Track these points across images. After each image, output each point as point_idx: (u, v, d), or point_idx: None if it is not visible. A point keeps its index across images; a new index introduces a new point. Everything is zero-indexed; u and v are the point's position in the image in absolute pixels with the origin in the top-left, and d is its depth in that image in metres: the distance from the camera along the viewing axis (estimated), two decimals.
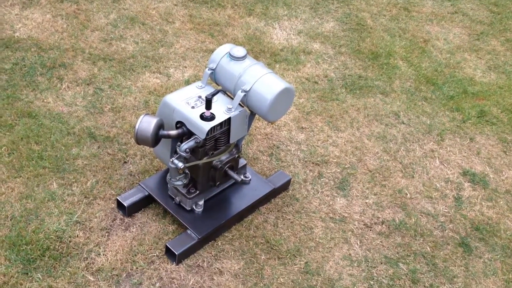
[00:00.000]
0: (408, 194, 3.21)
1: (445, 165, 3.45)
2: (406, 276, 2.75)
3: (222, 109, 2.57)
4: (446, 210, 3.14)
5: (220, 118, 2.53)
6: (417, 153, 3.51)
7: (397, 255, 2.85)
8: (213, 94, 2.50)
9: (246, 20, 4.58)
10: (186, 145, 2.51)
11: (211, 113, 2.52)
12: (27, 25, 4.10)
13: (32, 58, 3.79)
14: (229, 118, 2.56)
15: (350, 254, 2.82)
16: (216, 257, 2.72)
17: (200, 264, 2.68)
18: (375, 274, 2.74)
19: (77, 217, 2.78)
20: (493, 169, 3.46)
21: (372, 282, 2.70)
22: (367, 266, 2.78)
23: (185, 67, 3.96)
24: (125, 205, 2.78)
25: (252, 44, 4.28)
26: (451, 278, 2.77)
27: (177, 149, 2.54)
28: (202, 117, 2.51)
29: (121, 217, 2.83)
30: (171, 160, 2.55)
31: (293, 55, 4.25)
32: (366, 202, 3.12)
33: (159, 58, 4.00)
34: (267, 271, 2.69)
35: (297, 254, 2.78)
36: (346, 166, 3.33)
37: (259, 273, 2.67)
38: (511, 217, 3.14)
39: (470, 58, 4.52)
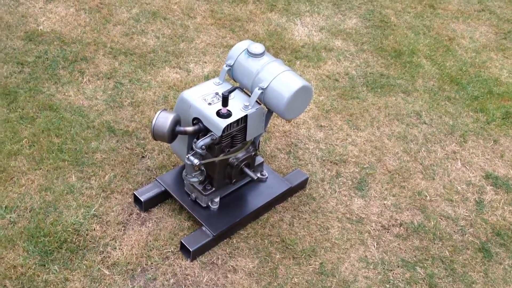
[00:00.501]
0: (428, 196, 3.15)
1: (467, 167, 3.38)
2: (423, 281, 2.71)
3: (239, 106, 2.55)
4: (466, 214, 3.07)
5: (236, 115, 2.51)
6: (438, 154, 3.45)
7: (414, 259, 2.81)
8: (230, 91, 2.48)
9: (267, 15, 4.55)
10: (202, 142, 2.51)
11: (228, 110, 2.50)
12: (51, 18, 4.14)
13: (54, 52, 3.83)
14: (246, 116, 2.54)
15: (366, 256, 2.79)
16: (230, 255, 2.71)
17: (215, 261, 2.67)
18: (391, 277, 2.70)
19: (94, 211, 2.80)
20: None
21: (388, 286, 2.66)
22: (383, 268, 2.74)
23: (205, 62, 3.96)
24: (142, 200, 2.79)
25: (273, 40, 4.25)
26: (469, 284, 2.72)
27: (193, 146, 2.54)
28: (219, 114, 2.50)
29: (138, 211, 2.84)
30: (187, 156, 2.55)
31: (314, 52, 4.20)
32: (384, 204, 3.08)
33: (180, 53, 4.00)
34: (282, 270, 2.67)
35: (312, 254, 2.76)
36: (365, 166, 3.29)
37: (273, 272, 2.66)
38: None
39: (497, 57, 4.41)
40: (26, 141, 3.13)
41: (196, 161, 2.51)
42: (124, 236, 2.72)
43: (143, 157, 3.15)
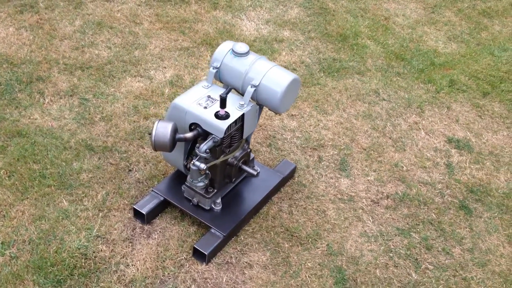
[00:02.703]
0: (404, 167, 3.38)
1: (430, 135, 3.65)
2: (420, 244, 2.92)
3: (233, 106, 2.60)
4: (441, 178, 3.34)
5: (234, 115, 2.57)
6: (403, 127, 3.69)
7: (407, 226, 3.02)
8: (227, 93, 2.53)
9: (213, 14, 4.58)
10: (205, 146, 2.54)
11: (225, 111, 2.55)
12: None
13: (5, 75, 3.64)
14: (243, 114, 2.60)
15: (365, 231, 2.96)
16: (242, 252, 2.77)
17: (229, 260, 2.73)
18: (392, 246, 2.90)
19: (96, 232, 2.75)
20: (473, 133, 3.70)
21: (391, 254, 2.85)
22: (383, 240, 2.93)
23: (165, 67, 3.94)
24: (144, 213, 2.78)
25: (225, 38, 4.30)
26: (459, 240, 2.97)
27: (196, 151, 2.56)
28: (217, 116, 2.54)
29: (140, 225, 2.82)
30: (192, 162, 2.57)
31: (267, 45, 4.31)
32: (368, 180, 3.26)
33: (137, 61, 3.95)
34: (293, 258, 2.78)
35: (317, 237, 2.89)
36: (341, 148, 3.46)
37: (286, 261, 2.76)
38: (499, 176, 3.38)
39: (430, 31, 4.75)
40: (4, 172, 2.98)
41: (202, 166, 2.54)
42: (133, 252, 2.70)
43: (130, 170, 3.11)
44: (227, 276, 2.66)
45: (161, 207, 2.88)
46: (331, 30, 4.57)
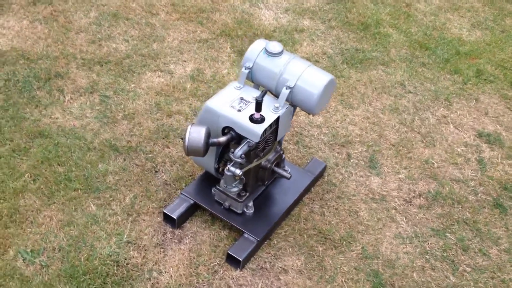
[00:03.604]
0: (435, 163, 3.30)
1: (460, 129, 3.57)
2: (456, 245, 2.86)
3: (268, 109, 2.51)
4: (473, 174, 3.26)
5: (270, 118, 2.48)
6: (431, 121, 3.60)
7: (442, 226, 2.95)
8: (263, 96, 2.44)
9: (230, 3, 4.45)
10: (240, 151, 2.46)
11: (261, 114, 2.46)
12: (6, 35, 3.81)
13: (23, 72, 3.54)
14: (278, 117, 2.51)
15: (400, 232, 2.90)
16: (275, 256, 2.71)
17: (263, 265, 2.67)
18: (427, 248, 2.83)
19: (126, 237, 2.68)
20: (504, 127, 3.61)
21: (427, 257, 2.79)
22: (419, 241, 2.86)
23: (185, 61, 3.83)
24: (174, 217, 2.71)
25: (244, 29, 4.19)
26: (496, 240, 2.91)
27: (231, 156, 2.48)
28: (253, 120, 2.45)
29: (171, 229, 2.76)
30: (227, 168, 2.49)
31: (287, 35, 4.19)
32: (399, 178, 3.19)
33: (156, 55, 3.84)
34: (328, 262, 2.72)
35: (351, 240, 2.82)
36: (370, 144, 3.38)
37: (321, 265, 2.70)
38: None
39: (453, 17, 4.63)
40: (29, 176, 2.90)
41: (238, 171, 2.46)
42: (166, 258, 2.63)
43: (156, 171, 3.04)
44: (262, 282, 2.60)
45: (191, 211, 2.81)
46: (351, 18, 4.45)
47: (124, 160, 3.07)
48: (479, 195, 3.14)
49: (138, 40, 3.95)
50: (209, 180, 2.85)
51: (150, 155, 3.11)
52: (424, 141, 3.45)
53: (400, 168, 3.24)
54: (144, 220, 2.78)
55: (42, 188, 2.85)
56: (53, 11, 4.09)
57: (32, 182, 2.88)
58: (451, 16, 4.63)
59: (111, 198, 2.85)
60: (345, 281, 2.64)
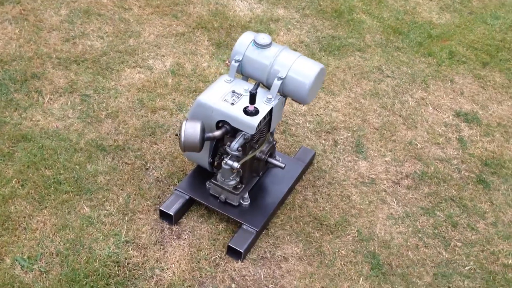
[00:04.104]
0: (418, 145, 3.39)
1: (438, 110, 3.67)
2: (446, 222, 2.96)
3: (260, 100, 2.52)
4: (455, 153, 3.37)
5: (264, 110, 2.49)
6: (410, 103, 3.69)
7: (430, 204, 3.04)
8: (256, 88, 2.45)
9: None
10: (236, 143, 2.47)
11: (255, 107, 2.47)
12: None
13: None
14: (271, 108, 2.53)
15: (391, 213, 2.97)
16: (275, 245, 2.74)
17: (263, 255, 2.69)
18: (419, 227, 2.92)
19: (124, 237, 2.66)
20: (479, 105, 3.73)
21: (420, 235, 2.88)
22: (410, 221, 2.94)
23: (163, 56, 3.79)
24: (171, 214, 2.70)
25: (220, 21, 4.17)
26: (482, 215, 3.02)
27: (228, 150, 2.49)
28: (247, 112, 2.46)
29: (168, 226, 2.74)
30: (224, 161, 2.50)
31: (263, 25, 4.20)
32: (385, 160, 3.26)
33: (133, 51, 3.79)
34: (326, 247, 2.76)
35: (346, 224, 2.88)
36: (354, 129, 3.43)
37: (320, 251, 2.75)
38: (510, 147, 3.44)
39: (422, 1, 4.73)
40: (16, 181, 2.83)
41: (236, 164, 2.47)
42: (166, 255, 2.63)
43: (147, 169, 3.01)
44: (264, 271, 2.63)
45: (187, 206, 2.81)
46: (325, 6, 4.49)
47: (113, 159, 3.03)
48: (463, 172, 3.25)
49: (113, 36, 3.89)
50: (202, 175, 2.85)
51: (139, 153, 3.08)
52: (406, 123, 3.53)
53: (385, 151, 3.32)
54: (140, 218, 2.76)
55: (31, 193, 2.79)
56: (22, 10, 3.97)
57: (20, 187, 2.81)
58: (420, 0, 4.74)
59: (104, 199, 2.82)
60: (344, 264, 2.70)
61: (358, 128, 3.44)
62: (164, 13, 4.17)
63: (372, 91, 3.74)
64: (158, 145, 3.14)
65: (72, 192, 2.82)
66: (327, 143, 3.32)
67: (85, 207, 2.77)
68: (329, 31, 4.23)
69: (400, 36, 4.29)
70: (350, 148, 3.31)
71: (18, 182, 2.83)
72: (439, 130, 3.51)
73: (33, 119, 3.19)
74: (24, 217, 2.69)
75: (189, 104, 3.43)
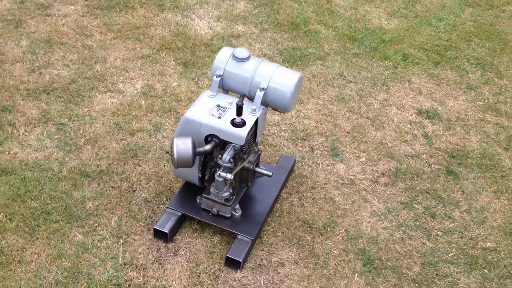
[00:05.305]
0: (388, 144, 3.58)
1: (402, 109, 3.88)
2: (425, 214, 3.14)
3: (245, 112, 2.62)
4: (423, 148, 3.57)
5: (250, 121, 2.58)
6: (375, 105, 3.88)
7: (408, 198, 3.22)
8: (242, 100, 2.54)
9: (161, 16, 4.49)
10: (228, 155, 2.55)
11: (241, 118, 2.56)
12: None
13: None
14: (257, 119, 2.63)
15: (374, 211, 3.12)
16: (270, 252, 2.82)
17: (260, 263, 2.77)
18: (401, 220, 3.08)
19: (122, 259, 2.67)
20: (438, 102, 3.98)
21: (403, 228, 3.04)
22: (393, 215, 3.10)
23: (132, 78, 3.82)
24: (167, 231, 2.73)
25: (183, 41, 4.25)
26: (456, 204, 3.22)
27: (219, 162, 2.56)
28: (235, 124, 2.54)
29: (164, 244, 2.77)
30: (217, 174, 2.57)
31: (225, 42, 4.31)
32: (361, 161, 3.42)
33: (101, 76, 3.80)
34: (319, 249, 2.87)
35: (334, 225, 3.00)
36: (327, 134, 3.58)
37: (313, 253, 2.85)
38: (470, 138, 3.68)
39: (371, 9, 4.99)
40: (3, 216, 2.78)
41: (229, 176, 2.55)
42: (166, 273, 2.65)
43: (134, 190, 3.03)
44: (263, 278, 2.70)
45: (180, 223, 2.85)
46: (281, 20, 4.65)
47: (99, 184, 3.03)
48: (432, 166, 3.46)
49: (79, 63, 3.88)
50: (191, 191, 2.90)
51: (124, 176, 3.09)
52: (374, 124, 3.72)
53: (359, 152, 3.48)
54: (135, 239, 2.78)
55: (21, 226, 2.75)
56: None
57: (8, 221, 2.76)
58: (369, 8, 4.99)
59: (96, 224, 2.81)
60: (338, 263, 2.81)
61: (331, 132, 3.60)
62: (127, 37, 4.20)
63: (338, 96, 3.91)
64: (141, 166, 3.17)
65: (62, 220, 2.80)
66: (304, 149, 3.45)
67: (77, 234, 2.76)
68: (289, 43, 4.39)
69: (356, 42, 4.50)
70: (326, 153, 3.45)
71: (6, 216, 2.79)
72: (405, 128, 3.71)
73: (11, 152, 3.14)
74: (17, 250, 2.65)
75: (166, 124, 3.47)
